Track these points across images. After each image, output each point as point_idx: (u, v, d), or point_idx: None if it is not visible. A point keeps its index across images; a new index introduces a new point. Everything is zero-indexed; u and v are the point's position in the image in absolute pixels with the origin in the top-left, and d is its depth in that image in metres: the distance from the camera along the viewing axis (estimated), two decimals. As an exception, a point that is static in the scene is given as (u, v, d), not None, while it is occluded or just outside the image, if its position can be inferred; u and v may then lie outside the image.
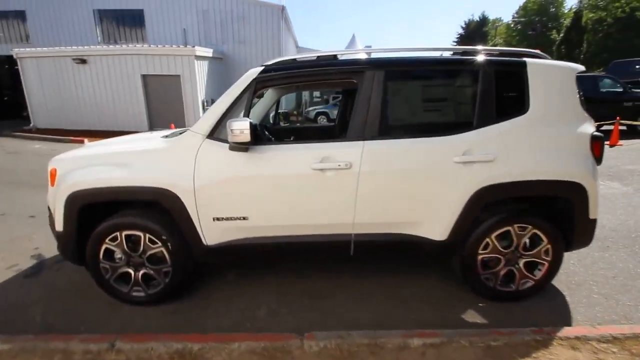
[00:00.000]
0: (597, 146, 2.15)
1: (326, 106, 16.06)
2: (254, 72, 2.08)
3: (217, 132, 2.11)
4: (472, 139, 2.09)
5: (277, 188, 2.09)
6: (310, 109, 16.05)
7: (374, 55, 2.19)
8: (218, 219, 2.15)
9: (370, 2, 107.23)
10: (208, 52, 12.92)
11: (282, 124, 3.78)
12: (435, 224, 2.18)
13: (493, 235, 2.22)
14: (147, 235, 2.19)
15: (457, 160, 2.07)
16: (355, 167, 2.04)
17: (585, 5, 31.88)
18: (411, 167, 2.07)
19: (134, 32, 15.96)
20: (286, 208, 2.14)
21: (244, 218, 2.15)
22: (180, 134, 2.36)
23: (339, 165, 2.02)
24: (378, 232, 2.20)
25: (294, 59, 2.16)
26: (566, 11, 37.30)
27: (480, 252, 2.25)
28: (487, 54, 2.21)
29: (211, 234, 2.19)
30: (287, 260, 2.90)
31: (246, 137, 1.87)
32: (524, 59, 2.18)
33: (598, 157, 2.16)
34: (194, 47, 12.04)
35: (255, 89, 2.08)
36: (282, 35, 15.21)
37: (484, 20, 41.32)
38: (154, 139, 2.54)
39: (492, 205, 2.18)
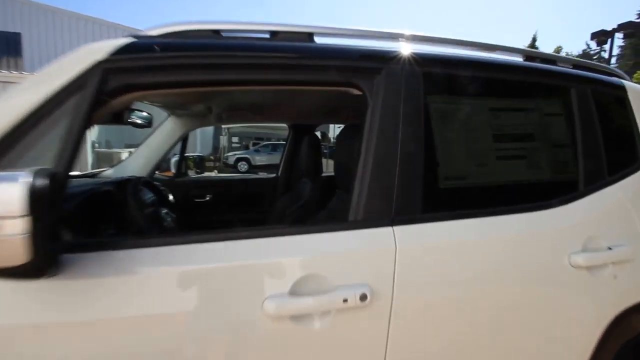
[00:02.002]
0: None
1: (247, 151, 15.05)
2: (98, 50, 0.85)
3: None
4: (586, 214, 1.15)
5: None
6: (230, 154, 14.82)
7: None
8: None
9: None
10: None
11: (192, 172, 2.57)
12: None
13: None
14: None
15: (576, 261, 1.07)
16: (382, 299, 0.89)
17: None
18: (494, 280, 1.01)
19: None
20: None
21: None
22: None
23: (346, 300, 0.84)
24: None
25: (216, 31, 0.97)
26: None
27: None
28: (574, 65, 1.38)
29: None
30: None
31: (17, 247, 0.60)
32: (616, 79, 1.42)
33: None
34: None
35: (102, 89, 0.83)
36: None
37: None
38: None
39: None
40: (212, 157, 15.41)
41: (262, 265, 0.84)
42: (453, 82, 1.11)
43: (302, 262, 0.87)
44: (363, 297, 0.84)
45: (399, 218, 0.94)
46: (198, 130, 13.92)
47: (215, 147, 16.62)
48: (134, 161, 2.16)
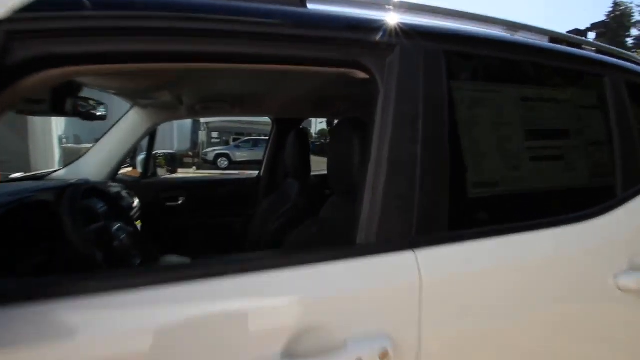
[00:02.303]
0: None
1: (227, 147, 14.58)
2: None
3: None
4: (629, 225, 0.97)
5: None
6: (209, 149, 14.32)
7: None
8: None
9: None
10: (72, 77, 10.18)
11: (162, 172, 2.26)
12: None
13: None
14: None
15: (626, 284, 0.88)
16: (407, 353, 0.66)
17: None
18: (538, 308, 0.81)
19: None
20: None
21: None
22: None
23: None
24: None
25: None
26: None
27: None
28: (599, 51, 1.17)
29: None
30: None
31: None
32: None
33: None
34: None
35: (3, 62, 0.54)
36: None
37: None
38: None
39: None
40: (190, 154, 14.85)
41: (240, 317, 0.60)
42: (481, 64, 0.89)
43: (298, 310, 0.62)
44: (384, 356, 0.60)
45: (422, 239, 0.72)
46: (175, 125, 13.35)
47: (194, 143, 16.04)
48: (91, 159, 1.85)
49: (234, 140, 15.56)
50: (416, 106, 0.76)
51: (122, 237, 1.10)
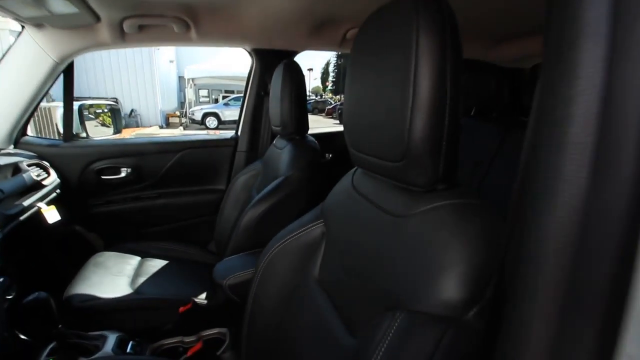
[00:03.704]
0: None
1: (216, 105, 13.59)
2: None
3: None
4: None
5: None
6: (196, 108, 13.33)
7: None
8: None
9: None
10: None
11: (100, 132, 1.58)
12: None
13: None
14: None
15: None
16: None
17: None
18: None
19: None
20: None
21: None
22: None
23: None
24: None
25: None
26: None
27: None
28: None
29: None
30: None
31: None
32: None
33: None
34: (4, 16, 8.08)
35: None
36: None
37: None
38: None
39: None
40: (177, 113, 13.84)
41: None
42: None
43: None
44: None
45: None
46: (160, 81, 12.22)
47: (181, 102, 14.96)
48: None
49: (224, 98, 14.51)
50: None
51: None
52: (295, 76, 1.13)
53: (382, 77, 0.48)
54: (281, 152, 1.20)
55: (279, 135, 1.34)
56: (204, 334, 1.06)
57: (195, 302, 1.08)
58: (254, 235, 1.09)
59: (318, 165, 1.17)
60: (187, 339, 1.04)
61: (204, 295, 1.14)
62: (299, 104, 1.14)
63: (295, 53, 1.56)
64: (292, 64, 1.16)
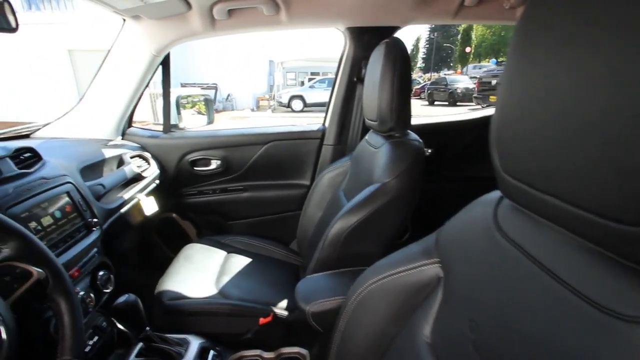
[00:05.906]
0: None
1: (302, 88, 13.86)
2: None
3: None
4: None
5: None
6: (283, 91, 13.82)
7: None
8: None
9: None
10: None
11: (192, 122, 1.59)
12: None
13: None
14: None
15: None
16: None
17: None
18: None
19: None
20: None
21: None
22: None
23: None
24: None
25: None
26: None
27: None
28: None
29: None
30: None
31: None
32: None
33: None
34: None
35: None
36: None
37: None
38: None
39: None
40: (266, 97, 14.55)
41: None
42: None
43: None
44: None
45: None
46: (251, 66, 12.97)
47: (270, 85, 15.67)
48: (86, 111, 1.29)
49: (309, 80, 14.70)
50: None
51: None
52: (400, 59, 0.91)
53: (612, 67, 0.25)
54: (376, 152, 1.01)
55: (372, 130, 1.15)
56: (284, 352, 0.97)
57: (275, 315, 1.00)
58: (341, 249, 0.94)
59: (421, 171, 0.94)
60: (266, 355, 0.97)
61: (284, 304, 1.05)
62: (403, 95, 0.92)
63: (396, 29, 1.32)
64: (396, 44, 0.94)
